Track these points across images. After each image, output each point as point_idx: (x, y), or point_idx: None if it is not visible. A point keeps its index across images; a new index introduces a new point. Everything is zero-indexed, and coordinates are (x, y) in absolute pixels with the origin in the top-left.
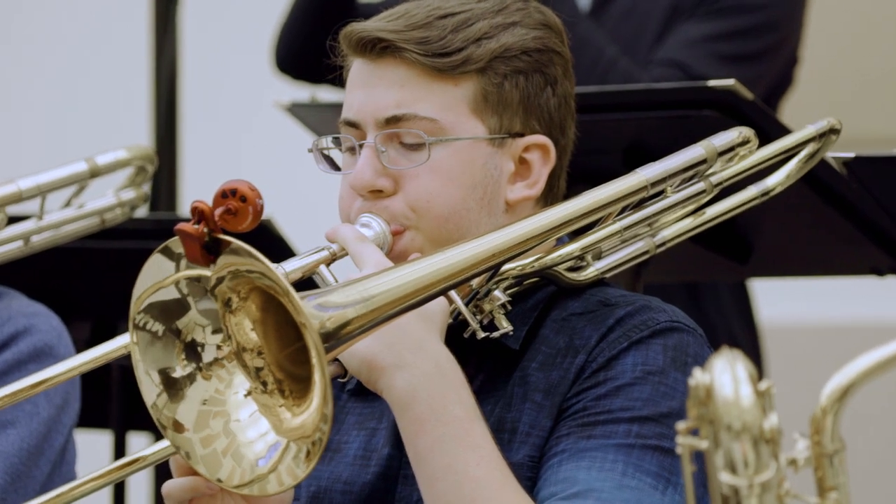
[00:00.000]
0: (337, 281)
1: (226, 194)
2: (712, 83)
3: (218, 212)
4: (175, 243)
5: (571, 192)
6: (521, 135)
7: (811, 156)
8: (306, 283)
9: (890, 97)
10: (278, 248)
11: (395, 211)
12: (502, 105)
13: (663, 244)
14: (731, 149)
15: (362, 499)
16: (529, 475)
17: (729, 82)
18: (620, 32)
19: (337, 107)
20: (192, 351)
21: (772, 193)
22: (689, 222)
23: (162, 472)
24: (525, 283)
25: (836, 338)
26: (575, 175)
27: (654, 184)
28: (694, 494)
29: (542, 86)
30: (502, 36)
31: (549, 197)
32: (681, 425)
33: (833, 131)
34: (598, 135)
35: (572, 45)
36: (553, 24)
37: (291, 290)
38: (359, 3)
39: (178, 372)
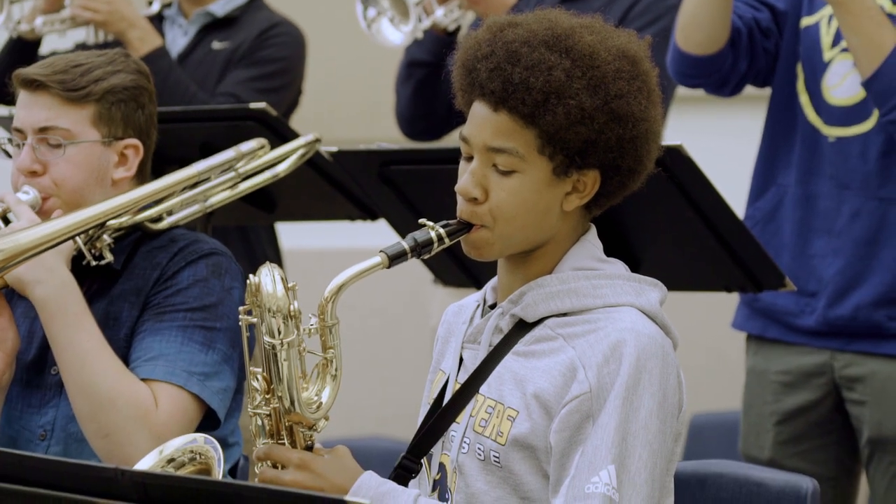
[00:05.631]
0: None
1: None
2: (252, 105)
3: None
4: None
5: (166, 170)
6: (122, 138)
7: (304, 155)
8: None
9: (361, 111)
10: None
11: None
12: (111, 120)
13: (212, 207)
14: (252, 152)
15: (27, 364)
16: (125, 345)
17: (261, 105)
18: (197, 76)
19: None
20: None
21: (279, 177)
22: (228, 193)
23: None
24: (123, 230)
25: (329, 258)
26: (171, 161)
27: (202, 173)
28: (248, 353)
29: (134, 108)
30: (112, 78)
31: (140, 177)
32: (241, 308)
33: (317, 140)
34: (182, 138)
35: (167, 84)
36: (143, 70)
37: None
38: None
39: None
